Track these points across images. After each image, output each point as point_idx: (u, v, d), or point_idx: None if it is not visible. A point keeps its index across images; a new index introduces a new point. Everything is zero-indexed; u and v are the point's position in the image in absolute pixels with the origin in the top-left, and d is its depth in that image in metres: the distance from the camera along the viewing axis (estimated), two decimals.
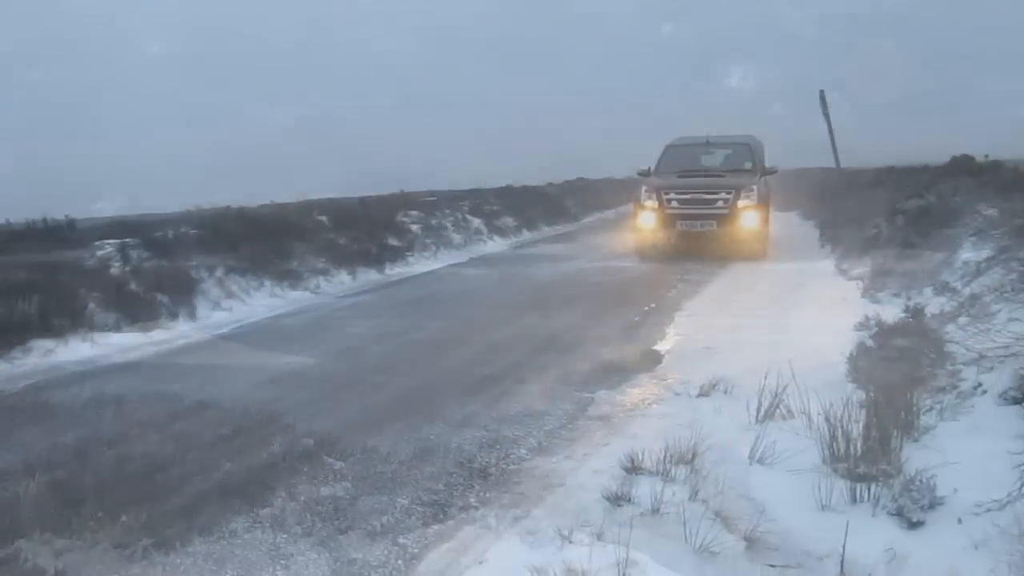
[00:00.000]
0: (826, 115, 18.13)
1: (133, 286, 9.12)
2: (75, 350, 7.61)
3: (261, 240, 11.72)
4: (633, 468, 3.87)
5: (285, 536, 3.58)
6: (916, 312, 5.48)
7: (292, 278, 11.41)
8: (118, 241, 10.14)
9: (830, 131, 18.39)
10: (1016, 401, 3.62)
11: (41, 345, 7.46)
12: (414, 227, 16.63)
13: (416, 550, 3.41)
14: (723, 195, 13.03)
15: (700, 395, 5.23)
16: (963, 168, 12.37)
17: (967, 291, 6.09)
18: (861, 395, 4.37)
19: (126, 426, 5.25)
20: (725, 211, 12.97)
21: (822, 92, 18.14)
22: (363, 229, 14.73)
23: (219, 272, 10.41)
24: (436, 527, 3.63)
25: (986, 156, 12.93)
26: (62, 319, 7.87)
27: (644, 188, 13.76)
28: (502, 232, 20.04)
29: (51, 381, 6.61)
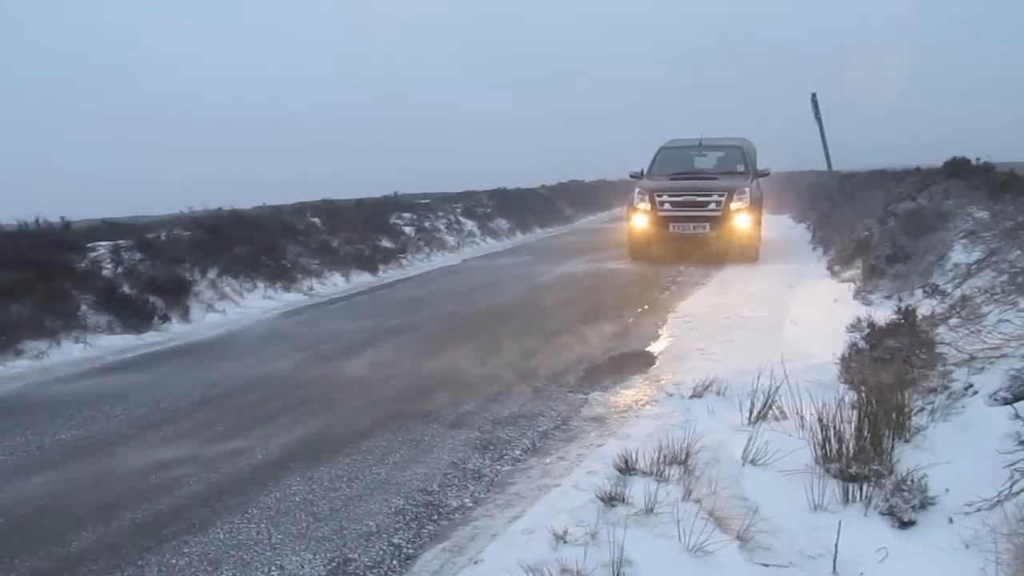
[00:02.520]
0: (818, 118, 18.13)
1: (126, 288, 9.11)
2: (68, 352, 7.60)
3: (254, 242, 11.73)
4: (627, 468, 3.88)
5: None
6: (907, 313, 5.50)
7: (286, 280, 11.42)
8: (111, 243, 10.12)
9: (822, 134, 18.41)
10: (1006, 402, 3.63)
11: (33, 347, 7.44)
12: (407, 229, 16.67)
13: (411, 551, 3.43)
14: (716, 197, 13.06)
15: (693, 396, 5.24)
16: (955, 171, 12.41)
17: (958, 293, 6.12)
18: (853, 396, 4.39)
19: (118, 426, 5.26)
20: (718, 213, 13.01)
21: (814, 95, 18.15)
22: (356, 231, 14.75)
23: (212, 274, 10.41)
24: (430, 526, 3.65)
25: (978, 159, 12.97)
26: (55, 321, 7.85)
27: (637, 190, 13.78)
28: (495, 234, 20.07)
29: (43, 383, 6.60)
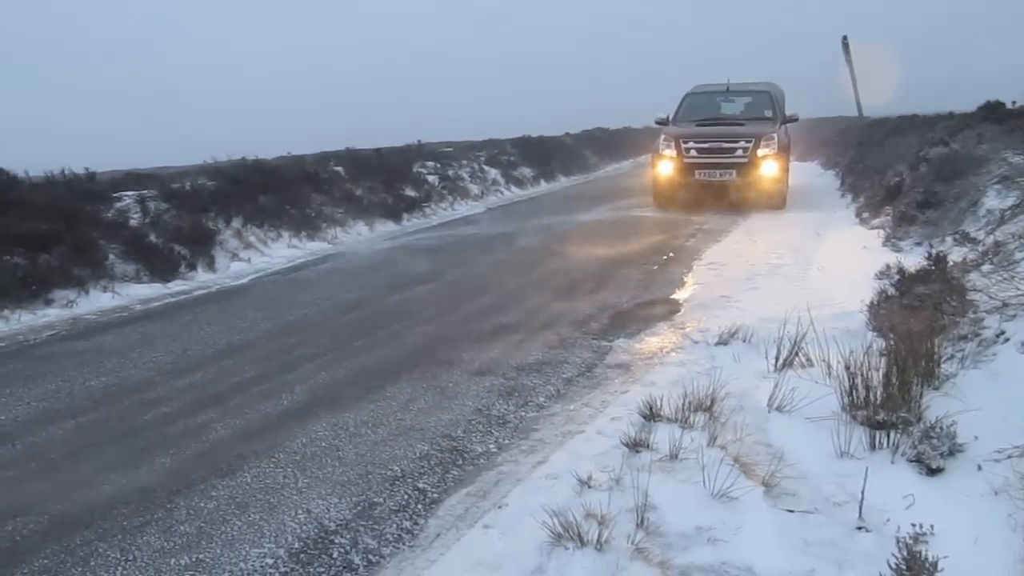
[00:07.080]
0: (849, 62, 17.73)
1: (152, 238, 9.17)
2: (96, 300, 7.69)
3: (278, 191, 11.73)
4: (651, 415, 3.87)
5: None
6: (938, 260, 5.40)
7: (310, 229, 11.44)
8: (136, 193, 10.16)
9: (852, 78, 18.03)
10: None
11: (63, 296, 7.53)
12: (431, 178, 16.58)
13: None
14: (743, 144, 12.85)
15: (719, 343, 5.21)
16: (990, 115, 12.11)
17: (990, 239, 6.00)
18: (881, 343, 4.33)
19: (146, 373, 5.32)
20: (744, 160, 12.81)
21: (845, 38, 17.71)
22: (380, 180, 14.70)
23: (237, 223, 10.44)
24: (455, 471, 3.67)
25: (1013, 103, 12.64)
26: (83, 270, 7.93)
27: (663, 137, 13.59)
28: (519, 182, 19.94)
29: (72, 332, 6.69)
